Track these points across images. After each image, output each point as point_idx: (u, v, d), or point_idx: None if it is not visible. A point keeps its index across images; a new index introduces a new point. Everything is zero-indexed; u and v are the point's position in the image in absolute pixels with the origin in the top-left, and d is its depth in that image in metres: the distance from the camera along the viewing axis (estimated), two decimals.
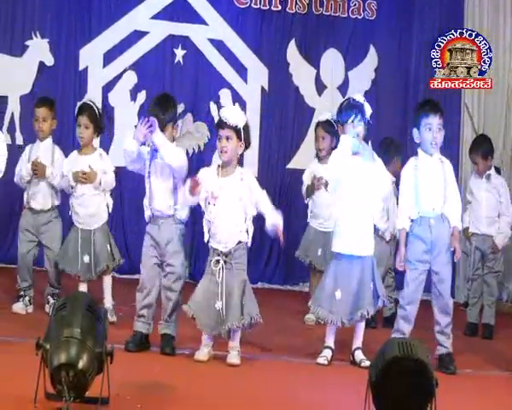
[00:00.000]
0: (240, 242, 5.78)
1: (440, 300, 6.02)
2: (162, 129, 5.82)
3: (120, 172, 7.15)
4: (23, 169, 7.00)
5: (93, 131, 6.85)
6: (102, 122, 6.94)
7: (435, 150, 6.05)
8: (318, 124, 7.76)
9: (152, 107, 6.00)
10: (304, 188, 7.79)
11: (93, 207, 6.80)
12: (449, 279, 6.07)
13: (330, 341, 6.00)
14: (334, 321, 5.94)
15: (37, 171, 6.93)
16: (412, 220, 6.07)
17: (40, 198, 7.00)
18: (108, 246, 6.84)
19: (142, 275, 6.02)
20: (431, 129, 5.99)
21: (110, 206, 6.90)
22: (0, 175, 5.35)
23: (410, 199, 6.02)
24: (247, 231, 5.79)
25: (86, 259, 6.80)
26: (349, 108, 6.00)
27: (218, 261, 5.73)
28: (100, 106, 7.14)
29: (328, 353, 5.95)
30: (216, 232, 5.76)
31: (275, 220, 5.79)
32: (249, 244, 5.83)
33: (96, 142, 7.16)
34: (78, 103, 7.16)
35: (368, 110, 6.02)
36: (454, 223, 6.04)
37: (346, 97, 6.17)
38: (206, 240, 5.83)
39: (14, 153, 7.31)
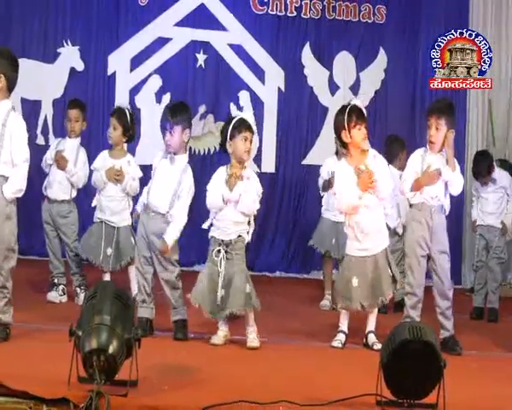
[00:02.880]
0: (240, 236, 5.75)
1: (440, 285, 5.98)
2: (171, 132, 5.82)
3: (147, 171, 7.14)
4: (47, 154, 7.08)
5: (121, 133, 6.83)
6: (132, 128, 6.86)
7: (433, 148, 5.95)
8: None
9: (164, 111, 6.05)
10: (321, 181, 7.74)
11: (119, 207, 6.81)
12: (447, 266, 6.00)
13: (344, 325, 5.98)
14: (352, 307, 5.87)
15: (59, 163, 6.95)
16: (413, 206, 6.06)
17: (55, 188, 7.03)
18: (132, 239, 6.72)
19: (137, 265, 5.97)
20: (429, 127, 5.94)
21: (131, 208, 6.86)
22: (21, 193, 5.32)
23: (411, 182, 5.98)
24: (248, 232, 5.78)
25: (109, 251, 6.81)
26: (359, 114, 5.82)
27: (219, 251, 5.71)
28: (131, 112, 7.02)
29: (342, 336, 5.94)
30: (220, 224, 5.74)
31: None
32: (247, 240, 5.79)
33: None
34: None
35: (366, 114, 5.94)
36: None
37: (348, 105, 5.85)
38: (205, 226, 5.80)
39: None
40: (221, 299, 5.66)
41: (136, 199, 6.70)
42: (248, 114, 5.92)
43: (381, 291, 5.87)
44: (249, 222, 5.79)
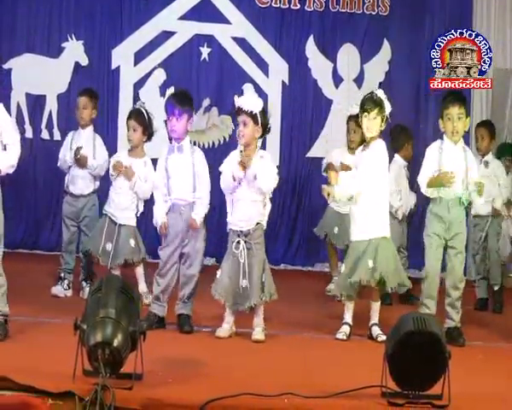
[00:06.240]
0: (258, 223, 5.77)
1: (453, 274, 6.00)
2: (178, 118, 5.88)
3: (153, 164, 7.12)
4: (67, 155, 7.03)
5: (141, 133, 6.77)
6: (151, 127, 6.80)
7: (456, 138, 6.04)
8: (350, 117, 7.72)
9: (171, 98, 6.03)
10: (324, 162, 7.79)
11: (124, 204, 6.76)
12: (463, 255, 6.07)
13: (348, 317, 5.99)
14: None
15: (80, 161, 6.93)
16: (431, 200, 6.07)
17: (79, 183, 7.02)
18: (132, 241, 6.73)
19: (162, 260, 5.97)
20: (450, 119, 6.02)
21: (139, 212, 6.80)
22: (12, 169, 5.35)
23: (428, 176, 6.01)
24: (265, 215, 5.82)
25: (108, 246, 6.73)
26: (370, 102, 5.94)
27: (238, 243, 5.72)
28: (151, 112, 6.93)
29: (346, 328, 5.94)
30: (238, 211, 5.75)
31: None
32: (264, 227, 5.82)
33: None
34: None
35: (387, 107, 5.97)
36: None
37: (369, 92, 6.14)
38: (228, 220, 5.83)
39: (53, 148, 7.35)
40: (243, 290, 5.68)
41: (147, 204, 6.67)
42: (245, 97, 5.93)
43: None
44: (264, 205, 5.82)
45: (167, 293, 5.96)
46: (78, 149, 6.93)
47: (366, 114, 5.94)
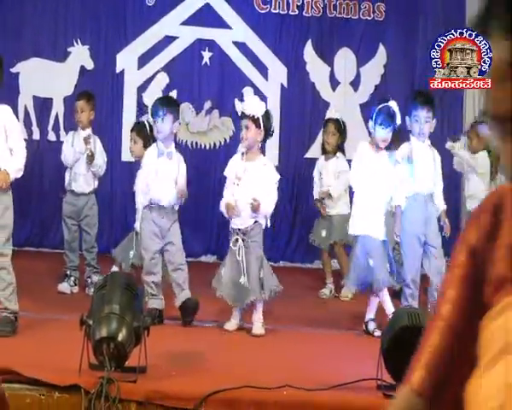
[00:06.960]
0: (256, 222, 5.79)
1: (437, 274, 5.98)
2: (163, 118, 5.94)
3: None
4: (72, 148, 7.01)
5: (142, 146, 6.78)
6: (152, 138, 6.73)
7: (422, 139, 6.06)
8: (329, 120, 7.76)
9: (155, 101, 6.23)
10: (314, 185, 7.83)
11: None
12: (442, 251, 6.06)
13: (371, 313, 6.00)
14: (371, 287, 5.90)
15: (89, 156, 6.96)
16: (407, 197, 6.09)
17: (81, 181, 7.04)
18: None
19: (145, 260, 5.98)
20: (418, 121, 6.02)
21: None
22: (20, 173, 5.36)
23: (405, 179, 6.02)
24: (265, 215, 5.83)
25: (131, 254, 6.78)
26: (386, 117, 5.90)
27: (236, 240, 5.74)
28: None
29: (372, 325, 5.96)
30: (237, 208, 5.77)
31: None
32: (269, 225, 5.86)
33: None
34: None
35: (398, 119, 5.96)
36: (441, 206, 6.11)
37: (383, 104, 6.00)
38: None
39: (59, 149, 7.39)
40: (242, 287, 5.69)
41: None
42: (248, 101, 6.00)
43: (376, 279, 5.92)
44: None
45: (159, 286, 5.97)
46: (86, 139, 6.95)
47: (383, 127, 5.91)
